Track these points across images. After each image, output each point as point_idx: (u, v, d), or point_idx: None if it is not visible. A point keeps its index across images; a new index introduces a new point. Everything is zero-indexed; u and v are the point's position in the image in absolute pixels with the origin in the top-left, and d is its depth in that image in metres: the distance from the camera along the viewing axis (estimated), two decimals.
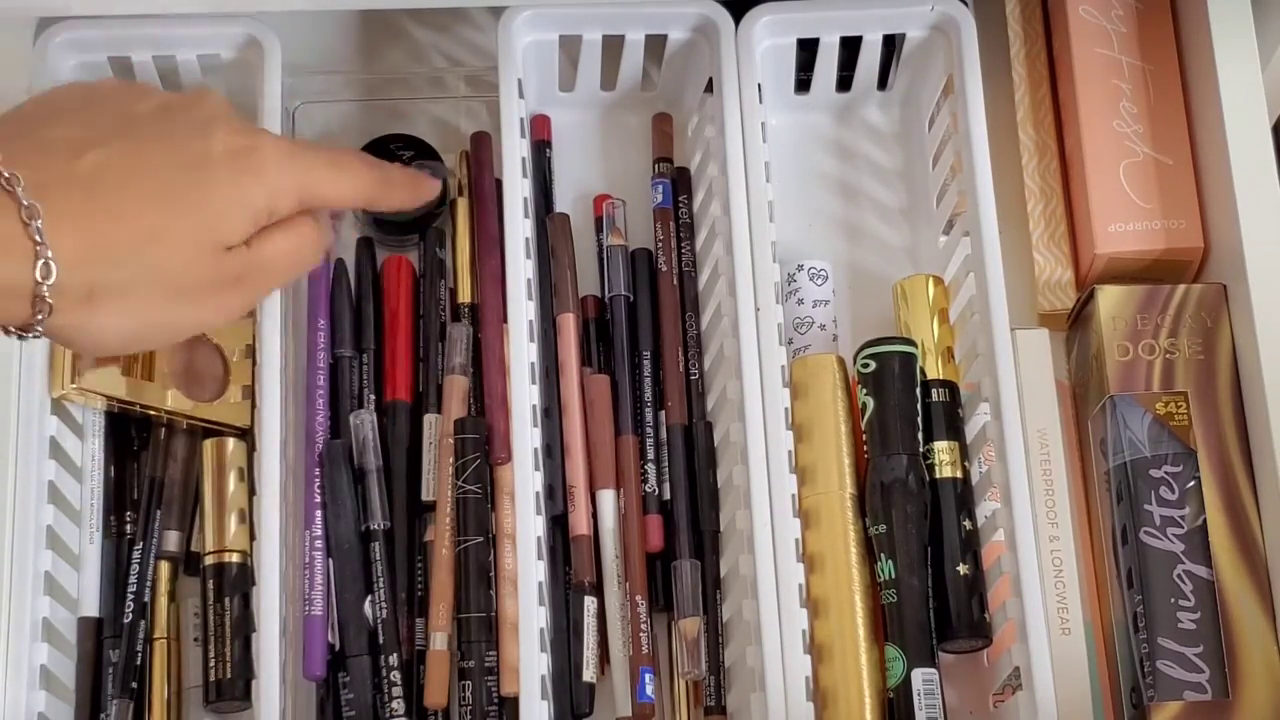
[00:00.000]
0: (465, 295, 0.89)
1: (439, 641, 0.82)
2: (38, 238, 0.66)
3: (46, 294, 0.66)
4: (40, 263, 0.66)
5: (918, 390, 0.84)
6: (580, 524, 0.84)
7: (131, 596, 0.83)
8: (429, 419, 0.86)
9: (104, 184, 0.68)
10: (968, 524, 0.83)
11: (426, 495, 0.85)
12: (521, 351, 0.82)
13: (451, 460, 0.85)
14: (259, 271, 0.73)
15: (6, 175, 0.66)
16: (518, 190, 0.85)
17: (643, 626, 0.83)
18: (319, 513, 0.84)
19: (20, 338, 0.69)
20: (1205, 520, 0.82)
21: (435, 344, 0.88)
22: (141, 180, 0.69)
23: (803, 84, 0.93)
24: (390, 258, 0.90)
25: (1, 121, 0.71)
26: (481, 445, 0.84)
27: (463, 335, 0.87)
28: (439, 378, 0.87)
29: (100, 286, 0.68)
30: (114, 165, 0.69)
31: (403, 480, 0.85)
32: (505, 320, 0.83)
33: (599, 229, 0.91)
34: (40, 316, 0.67)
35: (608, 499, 0.85)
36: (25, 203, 0.66)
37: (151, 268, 0.69)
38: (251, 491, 0.83)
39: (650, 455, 0.86)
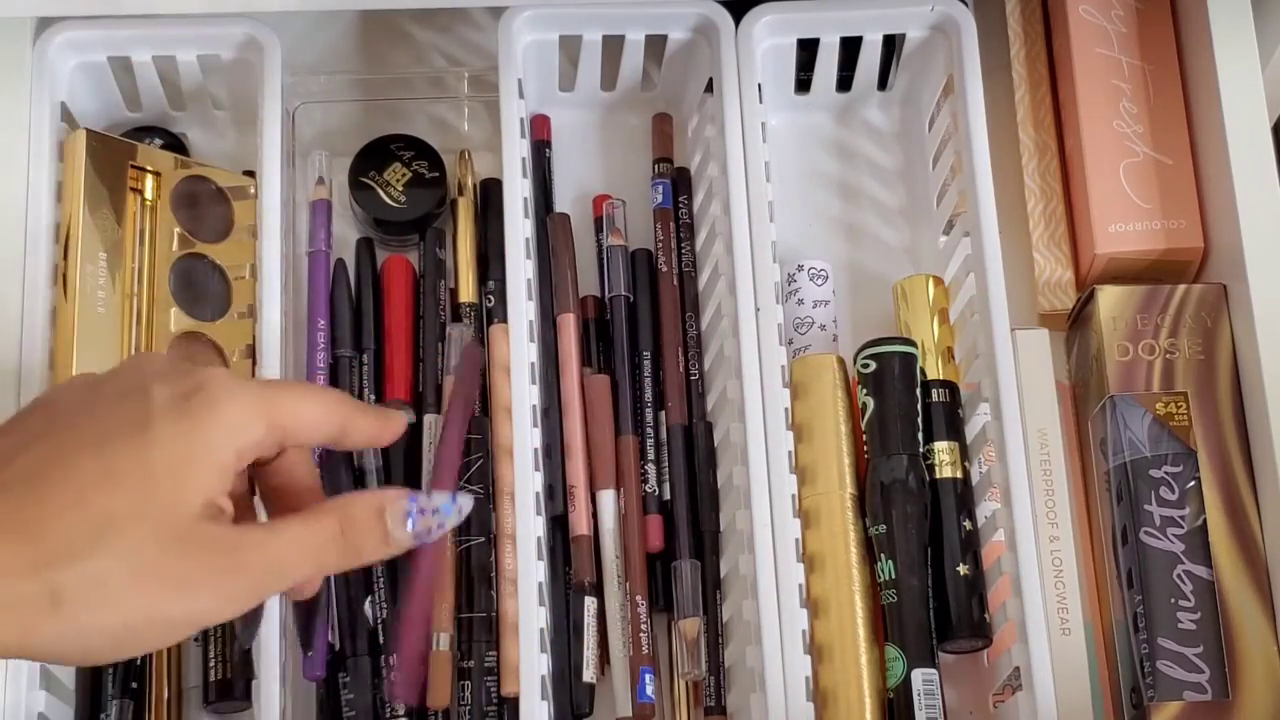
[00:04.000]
0: (466, 295, 0.89)
1: (441, 642, 0.82)
2: None
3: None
4: None
5: (918, 390, 0.84)
6: (580, 524, 0.84)
7: None
8: (428, 419, 0.86)
9: (39, 481, 0.60)
10: (968, 524, 0.83)
11: None
12: (521, 351, 0.82)
13: None
14: (259, 554, 0.63)
15: None
16: (518, 190, 0.85)
17: (643, 626, 0.83)
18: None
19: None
20: (1205, 520, 0.82)
21: (435, 344, 0.88)
22: (79, 466, 0.61)
23: (803, 84, 0.93)
24: (390, 258, 0.90)
25: None
26: (485, 445, 0.84)
27: (462, 335, 0.87)
28: (438, 378, 0.87)
29: (65, 587, 0.59)
30: (44, 459, 0.61)
31: (401, 480, 0.85)
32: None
33: (599, 229, 0.91)
34: (11, 638, 0.59)
35: (608, 499, 0.85)
36: None
37: (121, 556, 0.60)
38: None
39: (650, 455, 0.86)
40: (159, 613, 0.61)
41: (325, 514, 0.65)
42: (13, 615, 0.59)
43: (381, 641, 0.83)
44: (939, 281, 0.87)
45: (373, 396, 0.87)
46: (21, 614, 0.59)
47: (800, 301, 0.89)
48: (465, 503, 0.67)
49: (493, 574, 0.83)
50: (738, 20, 0.88)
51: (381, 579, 0.83)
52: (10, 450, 0.62)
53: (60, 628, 0.60)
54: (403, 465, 0.86)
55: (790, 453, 0.82)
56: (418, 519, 0.66)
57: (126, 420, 0.62)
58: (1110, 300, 0.86)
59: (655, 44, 0.90)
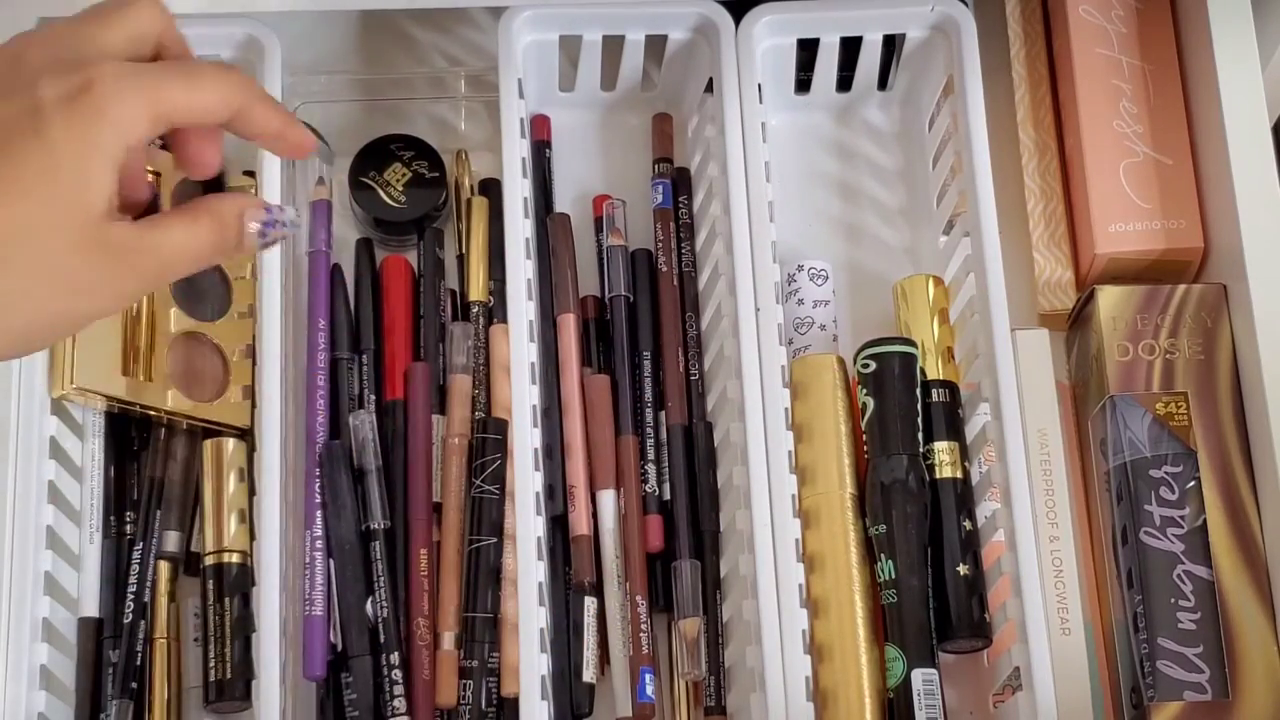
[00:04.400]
0: (477, 294, 0.89)
1: (448, 641, 0.82)
2: None
3: None
4: None
5: (918, 390, 0.84)
6: (580, 524, 0.84)
7: (131, 596, 0.83)
8: (435, 419, 0.86)
9: None
10: (968, 524, 0.83)
11: (433, 496, 0.85)
12: (521, 351, 0.82)
13: (458, 459, 0.85)
14: (153, 257, 0.63)
15: None
16: (518, 190, 0.85)
17: (643, 626, 0.83)
18: (319, 513, 0.84)
19: None
20: (1205, 520, 0.82)
21: (435, 344, 0.88)
22: None
23: (803, 84, 0.93)
24: (388, 257, 0.90)
25: None
26: (502, 446, 0.84)
27: (465, 334, 0.87)
28: (440, 377, 0.87)
29: None
30: None
31: (402, 480, 0.85)
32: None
33: (599, 229, 0.91)
34: None
35: (608, 499, 0.85)
36: None
37: (32, 264, 0.60)
38: (251, 491, 0.83)
39: (650, 455, 0.86)
40: (62, 315, 0.62)
41: (203, 215, 0.65)
42: None
43: (382, 641, 0.83)
44: (939, 281, 0.87)
45: (373, 396, 0.87)
46: None
47: (800, 301, 0.89)
48: (303, 217, 0.70)
49: (500, 575, 0.83)
50: (738, 20, 0.88)
51: (382, 579, 0.83)
52: None
53: None
54: (402, 464, 0.86)
55: (790, 453, 0.82)
56: (270, 228, 0.67)
57: (18, 124, 0.60)
58: (1110, 300, 0.86)
59: (655, 44, 0.90)
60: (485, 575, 0.83)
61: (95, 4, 0.65)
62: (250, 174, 0.88)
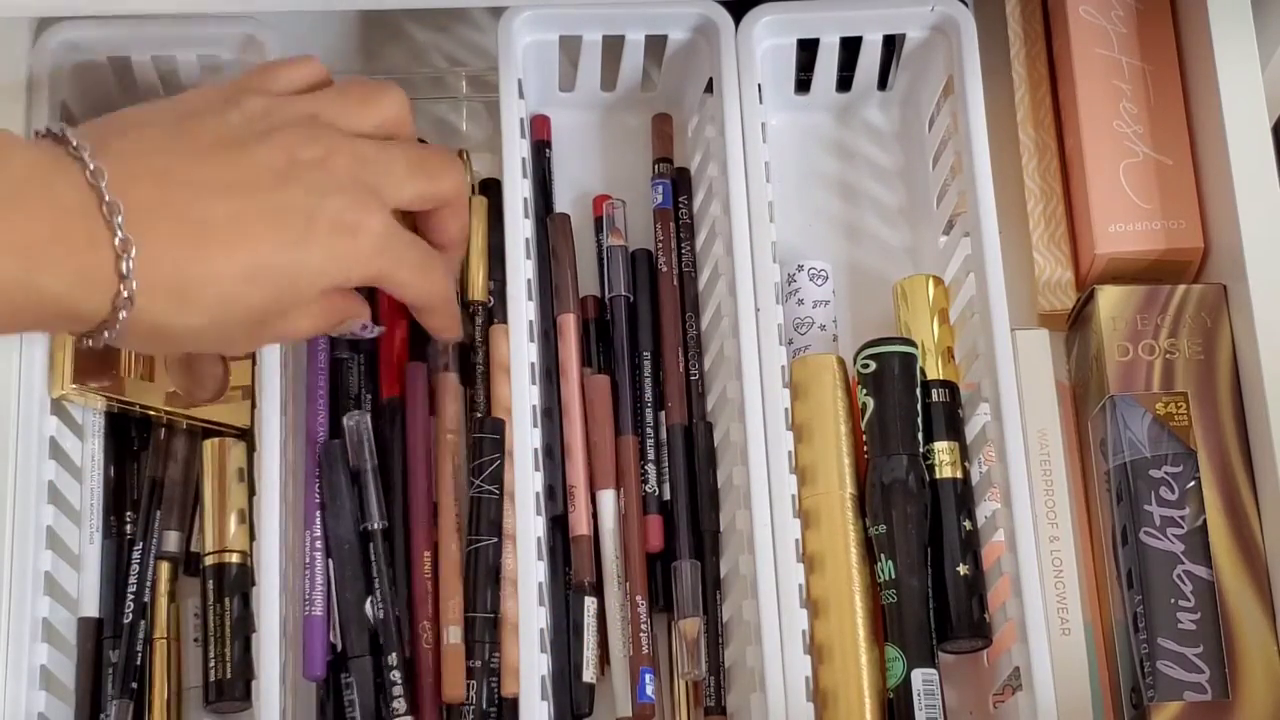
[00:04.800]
0: (476, 294, 0.88)
1: (454, 636, 0.82)
2: (120, 232, 0.67)
3: (127, 287, 0.67)
4: (123, 259, 0.67)
5: (918, 390, 0.84)
6: (580, 524, 0.84)
7: (131, 596, 0.83)
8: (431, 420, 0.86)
9: (206, 235, 0.69)
10: (968, 524, 0.83)
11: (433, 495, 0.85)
12: (521, 352, 0.82)
13: (452, 456, 0.85)
14: (279, 338, 0.76)
15: (92, 168, 0.67)
16: (518, 190, 0.85)
17: (643, 626, 0.83)
18: (319, 513, 0.84)
19: (89, 341, 0.69)
20: (1205, 520, 0.82)
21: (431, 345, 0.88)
22: (236, 249, 0.70)
23: (803, 84, 0.93)
24: None
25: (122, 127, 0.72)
26: (501, 446, 0.84)
27: (446, 344, 0.87)
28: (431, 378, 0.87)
29: (188, 285, 0.69)
30: (225, 218, 0.70)
31: (400, 479, 0.85)
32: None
33: (599, 229, 0.91)
34: (122, 313, 0.68)
35: (608, 499, 0.85)
36: (108, 199, 0.67)
37: (221, 313, 0.70)
38: (251, 491, 0.83)
39: (650, 455, 0.86)
40: (236, 338, 0.73)
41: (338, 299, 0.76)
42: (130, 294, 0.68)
43: (382, 641, 0.82)
44: (939, 281, 0.87)
45: (369, 396, 0.87)
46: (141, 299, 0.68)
47: (800, 301, 0.89)
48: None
49: (500, 575, 0.83)
50: (738, 20, 0.88)
51: (381, 578, 0.83)
52: (199, 183, 0.70)
53: (171, 314, 0.69)
54: (400, 463, 0.85)
55: (790, 453, 0.82)
56: (353, 333, 0.80)
57: (292, 230, 0.71)
58: (1110, 300, 0.86)
59: (655, 44, 0.90)
60: (485, 575, 0.83)
61: (354, 85, 0.77)
62: None
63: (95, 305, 0.68)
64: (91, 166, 0.68)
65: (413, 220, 0.79)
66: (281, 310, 0.72)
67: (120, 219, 0.67)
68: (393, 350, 0.87)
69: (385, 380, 0.87)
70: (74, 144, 0.69)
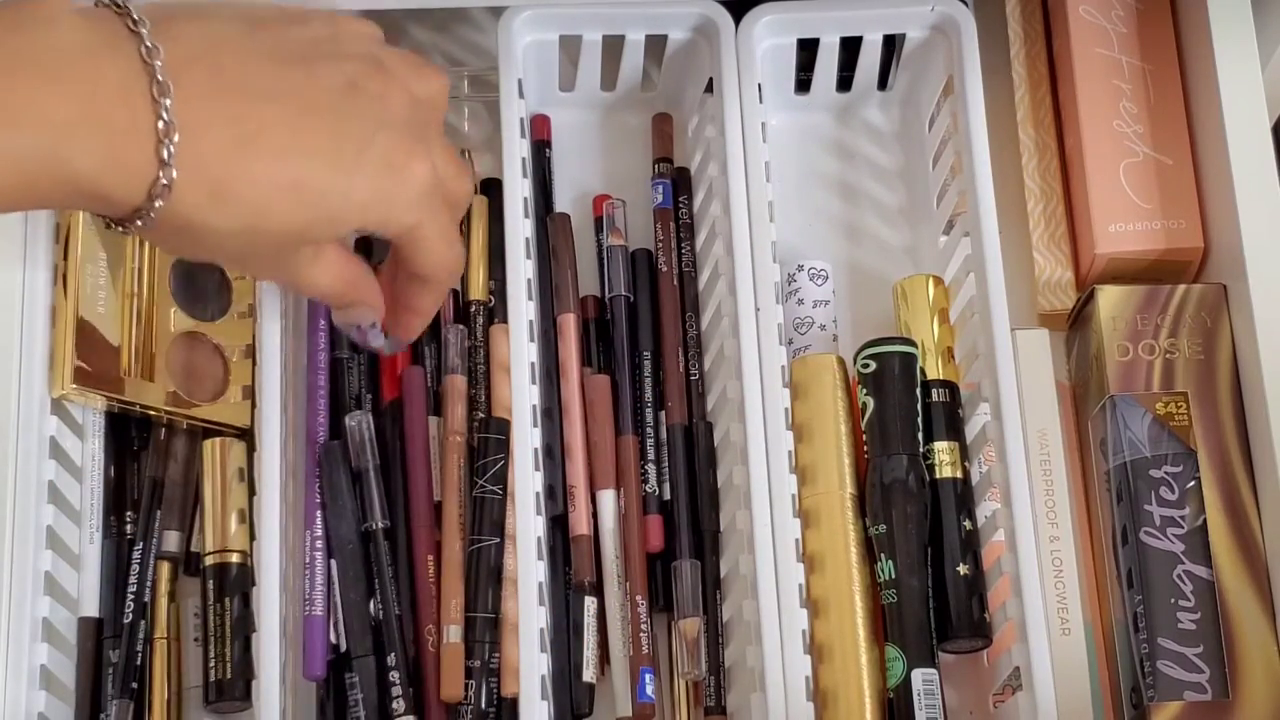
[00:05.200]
0: (476, 293, 0.88)
1: (453, 635, 0.82)
2: (165, 115, 0.65)
3: (166, 175, 0.65)
4: (165, 144, 0.65)
5: (918, 390, 0.84)
6: (580, 524, 0.84)
7: (131, 596, 0.83)
8: (432, 421, 0.86)
9: (259, 139, 0.67)
10: (968, 524, 0.83)
11: (434, 495, 0.85)
12: (521, 352, 0.82)
13: (456, 457, 0.85)
14: (295, 281, 0.74)
15: (149, 45, 0.65)
16: (518, 190, 0.85)
17: (643, 626, 0.83)
18: (319, 513, 0.84)
19: (119, 227, 0.68)
20: (1205, 520, 0.82)
21: (431, 345, 0.88)
22: (287, 156, 0.68)
23: (803, 84, 0.93)
24: None
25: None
26: (505, 446, 0.84)
27: (459, 337, 0.87)
28: (430, 379, 0.87)
29: (230, 182, 0.67)
30: (281, 123, 0.68)
31: (401, 480, 0.85)
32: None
33: (599, 229, 0.91)
34: (158, 202, 0.66)
35: (608, 499, 0.85)
36: (160, 79, 0.65)
37: (257, 220, 0.68)
38: (251, 491, 0.83)
39: (650, 455, 0.86)
40: (254, 252, 0.71)
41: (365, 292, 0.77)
42: (167, 183, 0.66)
43: (384, 641, 0.82)
44: (939, 281, 0.87)
45: (370, 396, 0.87)
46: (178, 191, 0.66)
47: (800, 301, 0.89)
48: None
49: (501, 575, 0.83)
50: (738, 20, 0.88)
51: (384, 578, 0.83)
52: (258, 86, 0.68)
53: (205, 214, 0.67)
54: (400, 464, 0.85)
55: (790, 453, 0.82)
56: (360, 331, 0.79)
57: (344, 154, 0.69)
58: (1110, 300, 0.86)
59: (655, 44, 0.90)
60: (486, 575, 0.83)
61: (412, 54, 0.76)
62: None
63: (129, 191, 0.65)
64: (149, 44, 0.65)
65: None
66: (314, 236, 0.71)
67: (169, 102, 0.65)
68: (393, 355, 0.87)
69: (388, 383, 0.87)
70: (135, 18, 0.66)
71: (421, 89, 0.74)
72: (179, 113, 0.65)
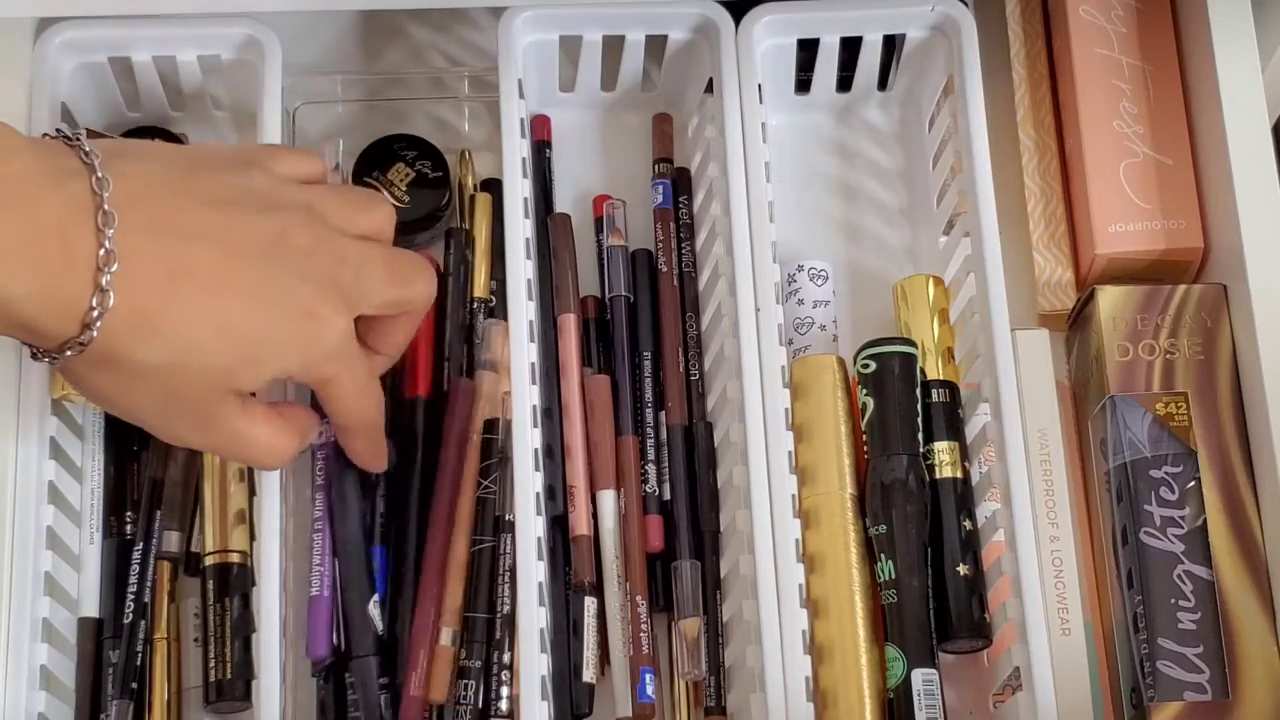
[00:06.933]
0: (479, 290, 0.88)
1: (445, 638, 0.82)
2: (107, 244, 0.67)
3: (100, 304, 0.67)
4: (104, 276, 0.67)
5: (918, 390, 0.84)
6: (580, 524, 0.84)
7: (131, 596, 0.83)
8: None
9: (178, 283, 0.69)
10: (968, 524, 0.83)
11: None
12: (521, 352, 0.82)
13: (477, 457, 0.85)
14: (233, 441, 0.74)
15: (99, 176, 0.68)
16: (518, 190, 0.85)
17: (643, 626, 0.83)
18: (320, 495, 0.84)
19: (50, 358, 0.70)
20: (1205, 520, 0.82)
21: (458, 342, 0.88)
22: (227, 275, 0.71)
23: (803, 84, 0.93)
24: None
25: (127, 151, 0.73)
26: (504, 448, 0.84)
27: (499, 330, 0.87)
28: (445, 381, 0.87)
29: (160, 316, 0.69)
30: (207, 277, 0.70)
31: (419, 479, 0.85)
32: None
33: (599, 229, 0.91)
34: (89, 332, 0.68)
35: (608, 499, 0.85)
36: (106, 209, 0.67)
37: (183, 357, 0.70)
38: (251, 491, 0.83)
39: (650, 455, 0.86)
40: (159, 418, 0.74)
41: (293, 428, 0.78)
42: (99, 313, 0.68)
43: (385, 641, 0.82)
44: (939, 281, 0.87)
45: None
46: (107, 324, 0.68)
47: (800, 301, 0.89)
48: None
49: (501, 574, 0.83)
50: (738, 20, 0.88)
51: (382, 579, 0.83)
52: (193, 229, 0.71)
53: (133, 343, 0.69)
54: (419, 465, 0.85)
55: (790, 453, 0.82)
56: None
57: (267, 302, 0.72)
58: (1110, 300, 0.86)
59: (655, 44, 0.90)
60: (487, 575, 0.83)
61: (350, 191, 0.80)
62: None
63: (62, 321, 0.68)
64: (99, 174, 0.69)
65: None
66: (238, 380, 0.72)
67: (112, 231, 0.68)
68: (416, 348, 0.87)
69: (408, 379, 0.87)
70: (86, 150, 0.69)
71: (362, 225, 0.77)
72: (118, 243, 0.68)
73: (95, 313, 0.68)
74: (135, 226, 0.69)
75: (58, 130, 0.71)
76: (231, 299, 0.71)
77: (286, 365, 0.73)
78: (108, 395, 0.73)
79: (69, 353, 0.69)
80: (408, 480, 0.85)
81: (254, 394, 0.75)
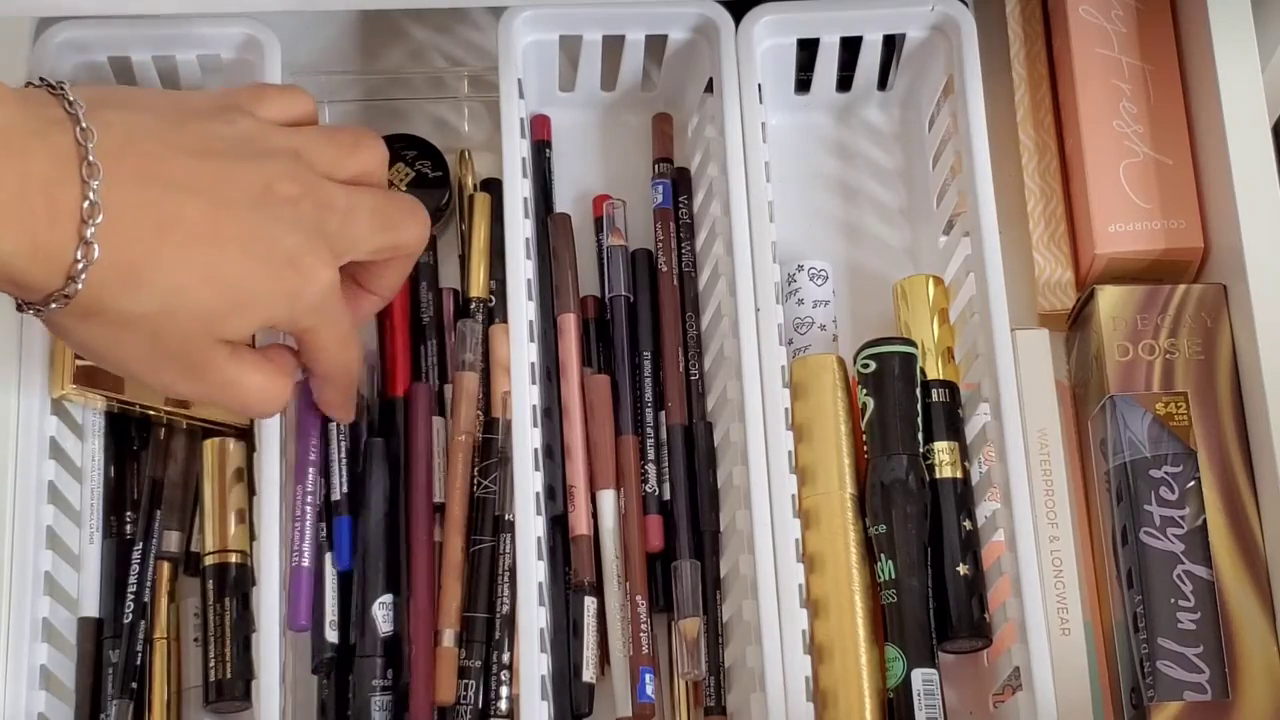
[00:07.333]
0: (477, 290, 0.88)
1: (448, 639, 0.82)
2: (91, 196, 0.67)
3: (85, 255, 0.66)
4: (83, 237, 0.66)
5: (918, 390, 0.84)
6: (580, 524, 0.84)
7: (131, 596, 0.83)
8: (435, 421, 0.86)
9: (161, 229, 0.69)
10: (968, 524, 0.83)
11: (438, 496, 0.85)
12: (521, 352, 0.82)
13: (464, 457, 0.84)
14: (225, 389, 0.74)
15: (84, 127, 0.67)
16: (518, 190, 0.85)
17: (643, 626, 0.83)
18: (310, 470, 0.83)
19: (35, 310, 0.69)
20: (1205, 520, 0.82)
21: (433, 344, 0.88)
22: (199, 243, 0.70)
23: (803, 84, 0.93)
24: None
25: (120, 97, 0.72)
26: (504, 448, 0.84)
27: (472, 331, 0.87)
28: (432, 381, 0.87)
29: (145, 265, 0.69)
30: (190, 219, 0.70)
31: (403, 480, 0.85)
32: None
33: (599, 229, 0.91)
34: (74, 285, 0.67)
35: (608, 499, 0.85)
36: (91, 160, 0.67)
37: (168, 305, 0.70)
38: (251, 491, 0.83)
39: (650, 455, 0.86)
40: (147, 369, 0.73)
41: (283, 370, 0.77)
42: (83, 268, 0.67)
43: (386, 641, 0.82)
44: (939, 281, 0.87)
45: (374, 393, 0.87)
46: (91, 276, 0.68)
47: (800, 301, 0.89)
48: None
49: (500, 574, 0.83)
50: (738, 20, 0.88)
51: (389, 579, 0.83)
52: (180, 179, 0.70)
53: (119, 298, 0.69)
54: (402, 468, 0.85)
55: (790, 453, 0.82)
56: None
57: (253, 251, 0.71)
58: (1110, 300, 0.86)
59: (655, 44, 0.90)
60: (486, 576, 0.83)
61: (340, 132, 0.78)
62: None
63: (47, 274, 0.67)
64: (84, 124, 0.68)
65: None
66: (224, 328, 0.72)
67: (96, 184, 0.67)
68: (394, 350, 0.87)
69: (390, 378, 0.87)
70: (70, 99, 0.69)
71: (352, 167, 0.76)
72: (103, 195, 0.67)
73: (80, 265, 0.67)
74: (120, 178, 0.68)
75: (41, 79, 0.70)
76: (217, 250, 0.70)
77: (272, 314, 0.73)
78: (95, 346, 0.72)
79: (54, 305, 0.68)
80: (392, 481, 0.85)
81: (252, 343, 0.75)
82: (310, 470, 0.84)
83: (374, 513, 0.84)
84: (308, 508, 0.83)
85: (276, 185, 0.73)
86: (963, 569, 0.82)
